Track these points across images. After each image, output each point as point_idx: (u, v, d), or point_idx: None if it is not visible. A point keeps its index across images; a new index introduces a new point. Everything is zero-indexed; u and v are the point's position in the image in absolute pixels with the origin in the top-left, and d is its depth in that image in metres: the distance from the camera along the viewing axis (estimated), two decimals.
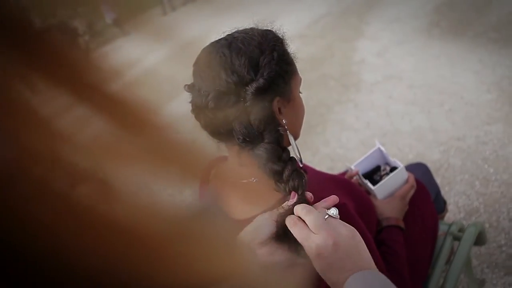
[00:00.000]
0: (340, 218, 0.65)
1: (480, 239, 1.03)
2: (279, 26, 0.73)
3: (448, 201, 1.46)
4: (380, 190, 1.00)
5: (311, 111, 3.02)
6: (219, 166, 0.87)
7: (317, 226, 0.54)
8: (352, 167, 1.08)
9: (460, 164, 1.98)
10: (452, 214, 1.74)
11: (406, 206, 1.02)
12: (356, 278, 0.50)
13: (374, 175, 1.11)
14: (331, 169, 2.34)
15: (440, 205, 1.30)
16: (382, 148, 1.08)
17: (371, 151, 1.10)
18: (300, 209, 0.57)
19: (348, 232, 0.55)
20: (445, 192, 1.80)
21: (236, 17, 4.64)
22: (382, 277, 0.51)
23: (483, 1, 3.54)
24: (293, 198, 0.61)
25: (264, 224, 0.59)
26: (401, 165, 1.02)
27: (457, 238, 1.10)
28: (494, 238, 1.58)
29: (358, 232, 0.56)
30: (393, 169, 1.08)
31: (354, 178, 1.08)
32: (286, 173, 0.62)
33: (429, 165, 1.43)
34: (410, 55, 3.25)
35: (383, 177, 1.07)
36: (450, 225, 1.13)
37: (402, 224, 0.96)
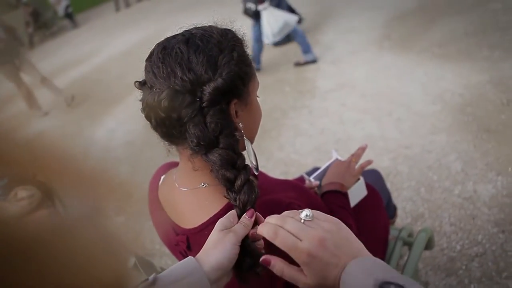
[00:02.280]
0: None
1: (429, 244, 1.07)
2: (239, 26, 0.70)
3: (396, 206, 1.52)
4: None
5: (267, 115, 3.03)
6: (169, 172, 0.83)
7: (300, 230, 0.51)
8: (311, 178, 1.07)
9: (407, 171, 2.07)
10: (400, 219, 1.81)
11: (350, 171, 1.00)
12: (352, 266, 0.49)
13: None
14: (285, 174, 2.35)
15: (391, 211, 1.34)
16: (340, 159, 1.08)
17: (329, 162, 1.10)
18: (275, 220, 0.54)
19: (332, 225, 0.53)
20: (393, 198, 1.88)
21: (192, 17, 4.58)
22: (378, 261, 0.49)
23: (429, 18, 3.78)
24: (250, 217, 0.58)
25: (227, 250, 0.55)
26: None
27: (406, 243, 1.14)
28: (437, 242, 1.66)
29: (341, 221, 0.55)
30: None
31: (311, 190, 1.07)
32: (238, 182, 0.59)
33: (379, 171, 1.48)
34: (362, 65, 3.38)
35: None
36: (400, 230, 1.17)
37: (343, 189, 0.94)
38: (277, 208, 0.66)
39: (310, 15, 5.26)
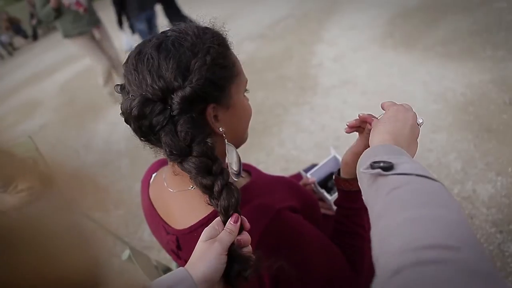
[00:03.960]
0: (279, 222, 0.64)
1: None
2: (221, 24, 0.66)
3: None
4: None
5: (268, 111, 3.03)
6: (160, 170, 0.82)
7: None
8: (308, 175, 1.07)
9: None
10: None
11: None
12: (372, 149, 0.57)
13: (328, 182, 1.11)
14: (285, 170, 2.36)
15: None
16: (338, 156, 1.08)
17: (327, 159, 1.10)
18: None
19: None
20: None
21: (198, 12, 4.56)
22: (393, 147, 0.56)
23: (432, 17, 3.76)
24: (235, 222, 0.58)
25: (213, 261, 0.55)
26: None
27: None
28: None
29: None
30: None
31: (308, 186, 1.07)
32: (216, 188, 0.57)
33: None
34: (364, 62, 3.37)
35: None
36: None
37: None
38: (267, 213, 0.65)
39: (312, 10, 5.24)
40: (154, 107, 0.56)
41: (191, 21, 0.66)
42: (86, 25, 3.59)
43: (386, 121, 0.63)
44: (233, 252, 0.57)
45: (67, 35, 3.61)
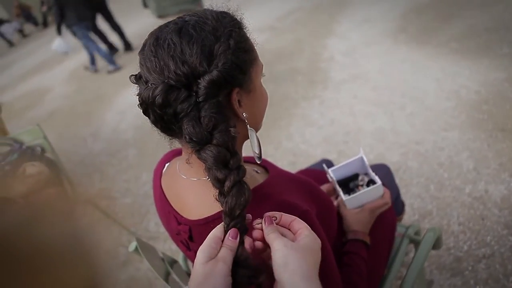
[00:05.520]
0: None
1: (436, 244, 1.04)
2: (235, 7, 0.65)
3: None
4: (351, 202, 0.97)
5: (277, 104, 3.00)
6: (173, 160, 0.81)
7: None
8: (330, 171, 1.04)
9: (417, 167, 2.03)
10: (407, 216, 1.78)
11: (373, 219, 0.99)
12: None
13: (350, 182, 1.08)
14: (293, 164, 2.33)
15: (399, 207, 1.32)
16: (365, 159, 1.05)
17: (354, 158, 1.06)
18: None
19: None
20: (402, 194, 1.84)
21: (210, 2, 4.52)
22: None
23: (448, 12, 3.68)
24: (234, 238, 0.53)
25: (221, 283, 0.50)
26: (379, 182, 0.97)
27: (413, 241, 1.12)
28: (444, 241, 1.63)
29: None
30: (370, 181, 1.06)
31: (329, 184, 1.05)
32: (227, 183, 0.54)
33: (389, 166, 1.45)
34: (376, 57, 3.31)
35: (359, 187, 1.05)
36: (407, 228, 1.14)
37: (368, 240, 0.94)
38: (292, 212, 0.63)
39: (324, 2, 5.16)
40: (179, 94, 0.54)
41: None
42: (190, 1, 2.95)
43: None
44: (237, 258, 0.53)
45: (162, 15, 3.02)
